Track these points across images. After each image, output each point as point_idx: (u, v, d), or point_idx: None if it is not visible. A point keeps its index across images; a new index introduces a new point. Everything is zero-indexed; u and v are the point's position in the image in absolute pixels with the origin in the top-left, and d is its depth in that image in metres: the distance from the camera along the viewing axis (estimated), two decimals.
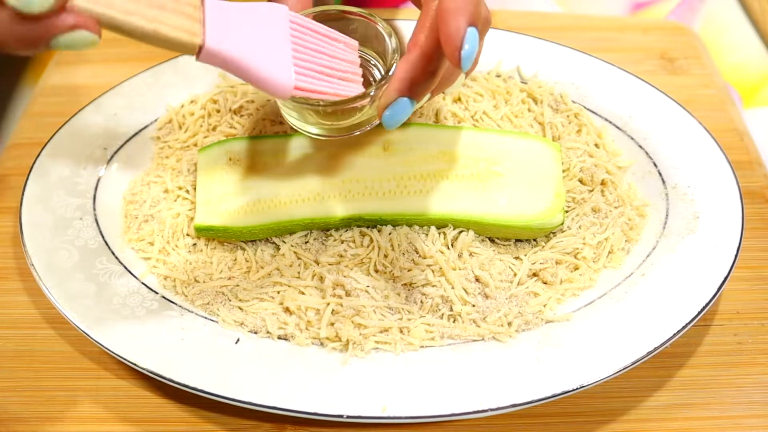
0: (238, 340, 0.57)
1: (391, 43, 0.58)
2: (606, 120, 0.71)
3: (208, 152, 0.65)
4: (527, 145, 0.64)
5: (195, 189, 0.65)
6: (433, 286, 0.60)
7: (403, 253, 0.61)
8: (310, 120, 0.59)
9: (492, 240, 0.63)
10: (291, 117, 0.60)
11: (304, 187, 0.63)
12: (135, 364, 0.55)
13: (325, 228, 0.63)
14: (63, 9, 0.42)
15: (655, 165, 0.67)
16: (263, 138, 0.66)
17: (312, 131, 0.60)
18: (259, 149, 0.64)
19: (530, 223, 0.61)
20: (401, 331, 0.58)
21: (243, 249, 0.63)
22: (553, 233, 0.63)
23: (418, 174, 0.63)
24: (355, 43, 0.58)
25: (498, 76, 0.74)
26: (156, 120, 0.71)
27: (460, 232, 0.62)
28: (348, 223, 0.62)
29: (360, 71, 0.58)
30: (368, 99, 0.57)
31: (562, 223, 0.62)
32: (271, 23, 0.52)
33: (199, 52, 0.48)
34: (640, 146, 0.68)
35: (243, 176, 0.63)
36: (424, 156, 0.63)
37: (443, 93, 0.69)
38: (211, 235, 0.63)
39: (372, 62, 0.61)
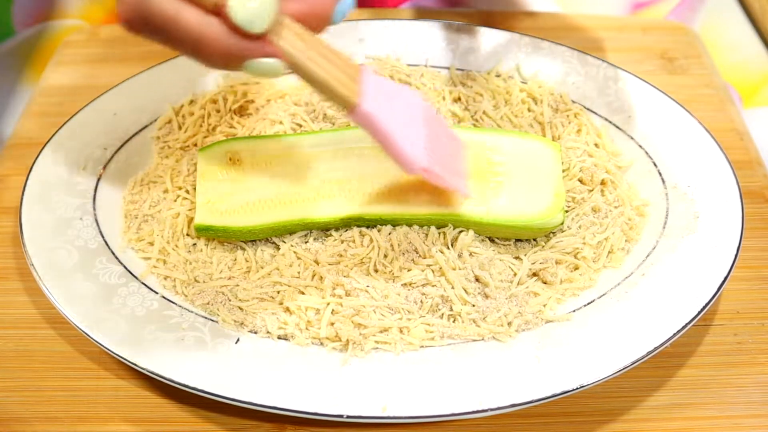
0: (238, 340, 0.57)
1: None
2: (606, 120, 0.71)
3: (208, 152, 0.65)
4: (527, 145, 0.64)
5: (195, 189, 0.65)
6: (433, 286, 0.60)
7: (403, 253, 0.61)
8: None
9: (492, 240, 0.63)
10: None
11: (304, 187, 0.63)
12: (135, 364, 0.55)
13: (325, 228, 0.63)
14: (266, 39, 0.47)
15: (655, 165, 0.67)
16: (263, 138, 0.66)
17: None
18: (259, 149, 0.64)
19: (530, 223, 0.61)
20: (401, 331, 0.58)
21: (243, 249, 0.63)
22: (553, 233, 0.63)
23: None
24: (463, 143, 0.62)
25: (498, 76, 0.74)
26: (156, 120, 0.71)
27: (460, 232, 0.62)
28: (348, 223, 0.62)
29: (466, 170, 0.61)
30: None
31: (562, 223, 0.62)
32: (411, 105, 0.57)
33: (353, 109, 0.53)
34: (640, 146, 0.68)
35: (243, 176, 0.63)
36: None
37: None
38: (210, 235, 0.63)
39: None
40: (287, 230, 0.63)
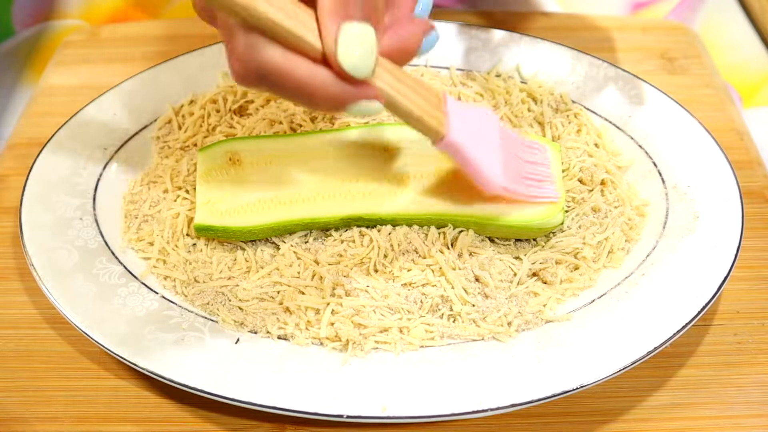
0: (238, 340, 0.57)
1: None
2: (606, 120, 0.71)
3: (208, 152, 0.65)
4: None
5: (195, 189, 0.65)
6: (433, 286, 0.60)
7: (403, 253, 0.61)
8: None
9: (492, 240, 0.63)
10: None
11: (304, 187, 0.63)
12: (135, 364, 0.55)
13: (325, 228, 0.63)
14: (367, 82, 0.49)
15: (655, 165, 0.67)
16: (263, 138, 0.66)
17: None
18: (259, 149, 0.64)
19: (530, 222, 0.61)
20: (401, 331, 0.58)
21: (243, 249, 0.63)
22: (553, 233, 0.63)
23: (417, 174, 0.63)
24: (547, 147, 0.64)
25: (498, 76, 0.74)
26: (156, 120, 0.71)
27: (460, 232, 0.62)
28: (348, 223, 0.62)
29: (551, 173, 0.62)
30: None
31: (562, 223, 0.62)
32: (488, 126, 0.59)
33: (440, 140, 0.55)
34: (640, 146, 0.68)
35: (243, 176, 0.63)
36: (424, 156, 0.63)
37: None
38: (210, 235, 0.63)
39: None
40: (287, 230, 0.63)
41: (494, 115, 0.60)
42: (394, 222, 0.62)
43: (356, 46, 0.47)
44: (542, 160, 0.63)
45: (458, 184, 0.62)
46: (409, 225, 0.62)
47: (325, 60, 0.48)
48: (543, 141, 0.65)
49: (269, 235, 0.63)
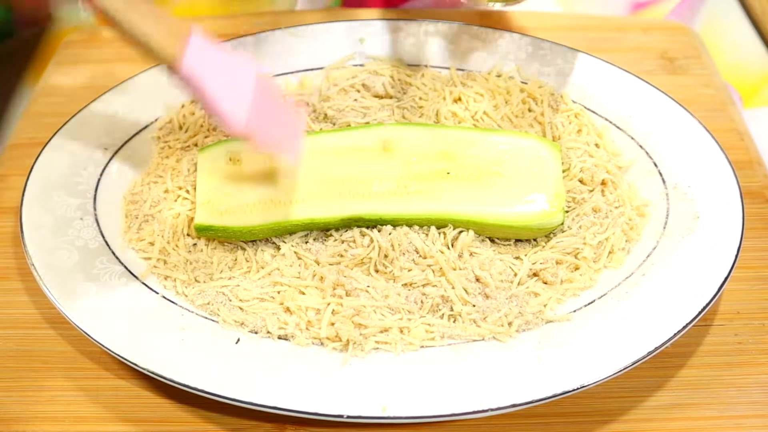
0: (238, 340, 0.57)
1: None
2: (606, 120, 0.71)
3: (209, 152, 0.65)
4: (527, 145, 0.64)
5: (195, 189, 0.65)
6: (433, 286, 0.59)
7: (403, 253, 0.61)
8: None
9: (492, 240, 0.63)
10: None
11: (304, 187, 0.63)
12: (135, 364, 0.54)
13: (325, 228, 0.63)
14: None
15: (655, 165, 0.67)
16: None
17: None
18: None
19: (530, 223, 0.61)
20: (401, 331, 0.58)
21: (243, 249, 0.63)
22: (553, 233, 0.63)
23: (418, 174, 0.63)
24: (301, 117, 0.63)
25: (498, 76, 0.74)
26: (156, 120, 0.71)
27: (460, 232, 0.62)
28: (348, 223, 0.62)
29: (299, 141, 0.61)
30: None
31: (562, 223, 0.62)
32: (242, 72, 0.57)
33: (174, 65, 0.54)
34: (640, 146, 0.68)
35: (243, 176, 0.63)
36: (424, 156, 0.64)
37: None
38: (211, 235, 0.63)
39: None
40: (287, 230, 0.63)
41: (254, 64, 0.58)
42: (394, 222, 0.62)
43: None
44: (294, 123, 0.61)
45: (458, 184, 0.62)
46: (409, 225, 0.62)
47: None
48: (543, 141, 0.65)
49: (269, 236, 0.63)
